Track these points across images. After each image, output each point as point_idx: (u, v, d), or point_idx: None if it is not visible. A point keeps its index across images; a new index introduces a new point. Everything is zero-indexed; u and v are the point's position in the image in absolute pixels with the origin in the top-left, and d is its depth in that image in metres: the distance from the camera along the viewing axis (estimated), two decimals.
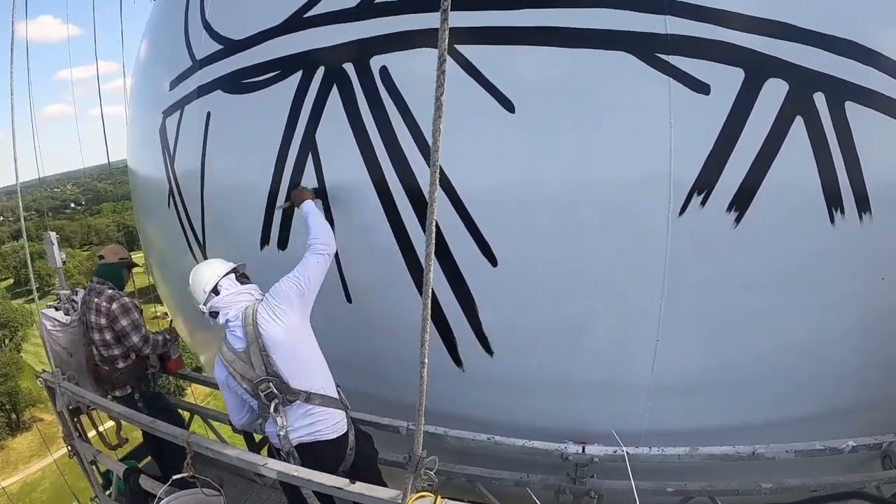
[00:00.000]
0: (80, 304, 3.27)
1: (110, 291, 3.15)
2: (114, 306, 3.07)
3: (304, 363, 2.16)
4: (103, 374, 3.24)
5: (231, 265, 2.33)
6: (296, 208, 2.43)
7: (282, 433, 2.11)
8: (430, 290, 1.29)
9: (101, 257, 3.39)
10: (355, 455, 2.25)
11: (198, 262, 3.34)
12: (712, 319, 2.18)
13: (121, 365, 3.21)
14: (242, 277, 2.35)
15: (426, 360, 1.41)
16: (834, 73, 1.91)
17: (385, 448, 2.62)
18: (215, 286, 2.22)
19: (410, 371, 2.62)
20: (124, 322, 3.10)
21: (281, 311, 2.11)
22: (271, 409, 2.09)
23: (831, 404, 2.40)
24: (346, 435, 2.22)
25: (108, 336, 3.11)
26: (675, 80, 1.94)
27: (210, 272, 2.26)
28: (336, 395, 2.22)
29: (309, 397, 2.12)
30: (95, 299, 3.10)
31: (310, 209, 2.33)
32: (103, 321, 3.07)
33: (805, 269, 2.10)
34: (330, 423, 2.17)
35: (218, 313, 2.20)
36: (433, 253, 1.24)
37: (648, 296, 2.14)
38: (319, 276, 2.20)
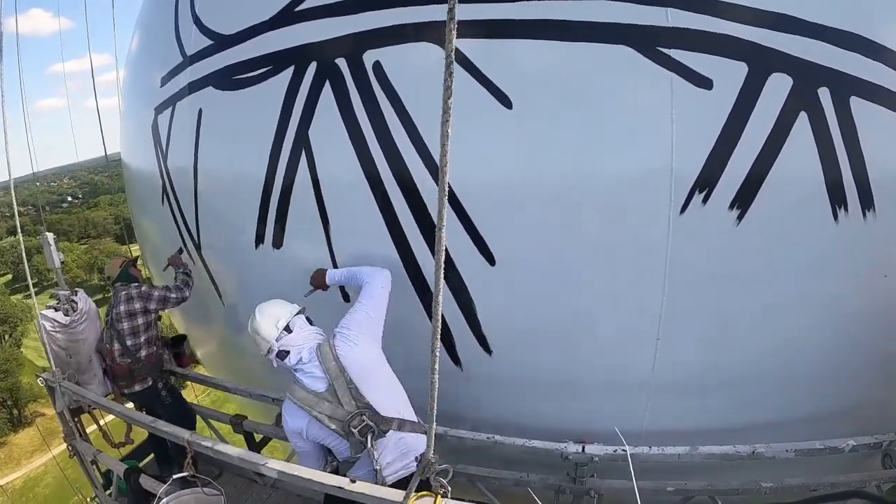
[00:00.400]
0: (84, 307, 3.35)
1: (136, 284, 3.33)
2: (143, 288, 3.26)
3: (389, 387, 2.13)
4: (122, 370, 3.26)
5: (298, 307, 2.24)
6: (323, 289, 2.45)
7: (377, 468, 2.01)
8: (440, 299, 1.23)
9: (109, 277, 3.52)
10: None
11: (192, 260, 3.35)
12: (713, 318, 2.16)
13: (143, 354, 3.26)
14: (308, 320, 2.26)
15: (437, 367, 1.38)
16: (839, 68, 1.87)
17: None
18: (288, 324, 2.13)
19: (408, 371, 2.61)
20: (156, 293, 3.24)
21: (357, 337, 2.08)
22: (369, 444, 1.98)
23: (832, 404, 2.39)
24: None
25: (139, 321, 3.21)
26: (677, 75, 1.90)
27: (282, 309, 2.17)
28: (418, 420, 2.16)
29: (401, 424, 2.06)
30: (123, 293, 3.24)
31: (336, 273, 2.38)
32: (137, 305, 3.20)
33: (808, 267, 2.08)
34: (419, 454, 2.08)
35: (288, 353, 2.08)
36: (442, 263, 1.17)
37: (649, 294, 2.12)
38: (385, 298, 2.19)
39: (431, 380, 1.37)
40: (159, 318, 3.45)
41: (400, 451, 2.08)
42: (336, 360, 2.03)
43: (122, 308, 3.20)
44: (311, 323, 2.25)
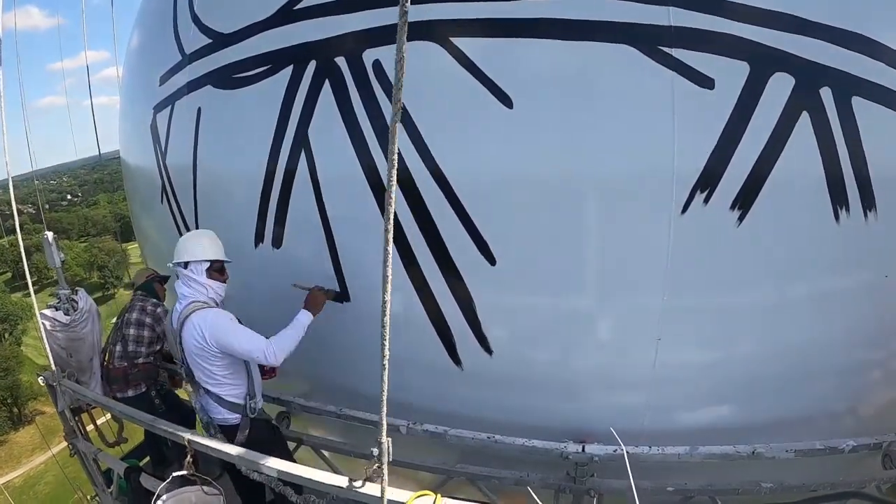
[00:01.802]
0: (85, 306, 3.43)
1: (155, 300, 3.48)
2: (159, 310, 3.42)
3: (209, 372, 2.44)
4: (118, 373, 3.32)
5: (221, 254, 2.53)
6: (304, 308, 2.49)
7: (197, 406, 2.58)
8: (390, 275, 1.26)
9: (133, 284, 3.68)
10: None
11: None
12: (714, 318, 2.16)
13: (140, 361, 3.35)
14: (220, 273, 2.54)
15: (387, 353, 1.40)
16: (841, 68, 1.86)
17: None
18: (188, 261, 2.45)
19: (408, 370, 2.62)
20: (167, 322, 3.35)
21: (200, 333, 2.36)
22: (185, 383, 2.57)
23: (832, 404, 2.39)
24: (232, 429, 2.55)
25: (145, 332, 3.34)
26: (679, 74, 1.89)
27: (196, 248, 2.48)
28: (239, 402, 2.49)
29: (207, 392, 2.47)
30: (139, 303, 3.40)
31: (304, 324, 2.44)
32: (148, 319, 3.36)
33: (809, 267, 2.07)
34: (219, 416, 2.53)
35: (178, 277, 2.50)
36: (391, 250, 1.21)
37: (650, 294, 2.11)
38: (246, 354, 2.39)
39: (382, 365, 1.39)
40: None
41: (205, 402, 2.53)
42: (181, 327, 2.41)
43: (134, 315, 3.33)
44: (219, 274, 2.53)
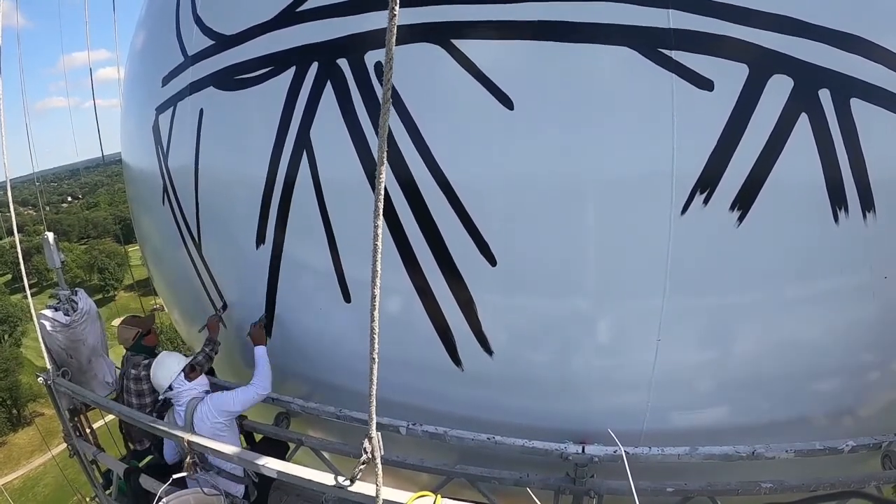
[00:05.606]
0: (84, 307, 3.41)
1: (145, 361, 3.30)
2: (143, 373, 3.25)
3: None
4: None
5: (183, 362, 2.88)
6: (254, 345, 2.87)
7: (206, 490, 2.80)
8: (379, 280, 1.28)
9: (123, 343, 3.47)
10: None
11: (193, 261, 3.35)
12: (714, 319, 2.16)
13: (147, 411, 3.30)
14: (191, 371, 2.88)
15: (377, 356, 1.42)
16: (840, 70, 1.87)
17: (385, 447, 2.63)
18: (170, 384, 2.82)
19: (409, 371, 2.61)
20: None
21: (211, 416, 2.75)
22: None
23: (832, 404, 2.39)
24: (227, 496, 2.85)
25: (144, 386, 3.30)
26: (678, 76, 1.90)
27: (166, 373, 2.84)
28: (240, 474, 2.83)
29: (219, 472, 2.81)
30: (133, 370, 3.32)
31: (264, 353, 2.86)
32: (145, 386, 3.30)
33: (808, 268, 2.08)
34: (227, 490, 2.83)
35: (170, 400, 2.90)
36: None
37: (649, 296, 2.12)
38: (247, 406, 2.81)
39: (371, 366, 1.42)
40: None
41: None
42: (191, 420, 2.76)
43: (132, 386, 3.27)
44: (195, 370, 2.89)
